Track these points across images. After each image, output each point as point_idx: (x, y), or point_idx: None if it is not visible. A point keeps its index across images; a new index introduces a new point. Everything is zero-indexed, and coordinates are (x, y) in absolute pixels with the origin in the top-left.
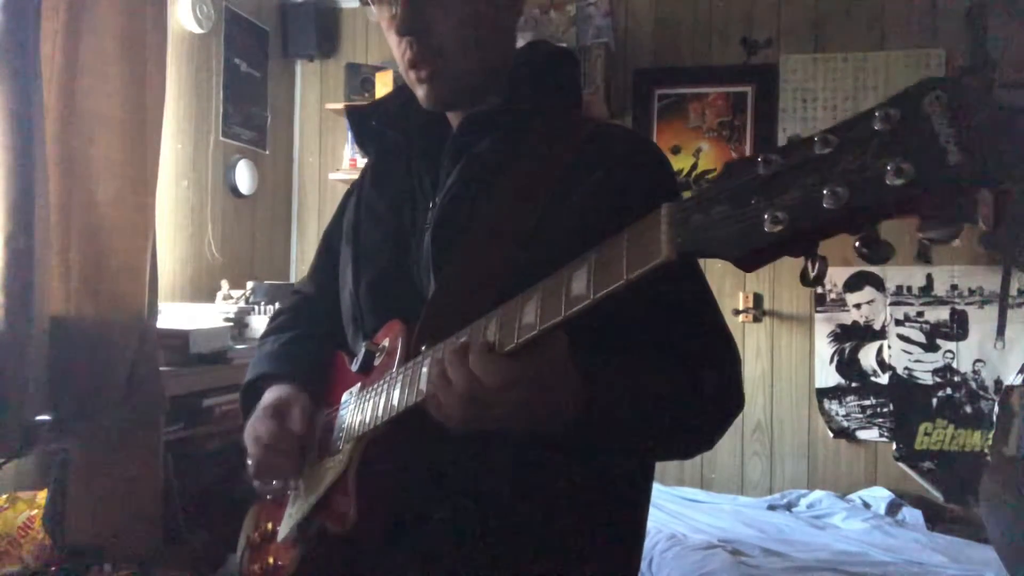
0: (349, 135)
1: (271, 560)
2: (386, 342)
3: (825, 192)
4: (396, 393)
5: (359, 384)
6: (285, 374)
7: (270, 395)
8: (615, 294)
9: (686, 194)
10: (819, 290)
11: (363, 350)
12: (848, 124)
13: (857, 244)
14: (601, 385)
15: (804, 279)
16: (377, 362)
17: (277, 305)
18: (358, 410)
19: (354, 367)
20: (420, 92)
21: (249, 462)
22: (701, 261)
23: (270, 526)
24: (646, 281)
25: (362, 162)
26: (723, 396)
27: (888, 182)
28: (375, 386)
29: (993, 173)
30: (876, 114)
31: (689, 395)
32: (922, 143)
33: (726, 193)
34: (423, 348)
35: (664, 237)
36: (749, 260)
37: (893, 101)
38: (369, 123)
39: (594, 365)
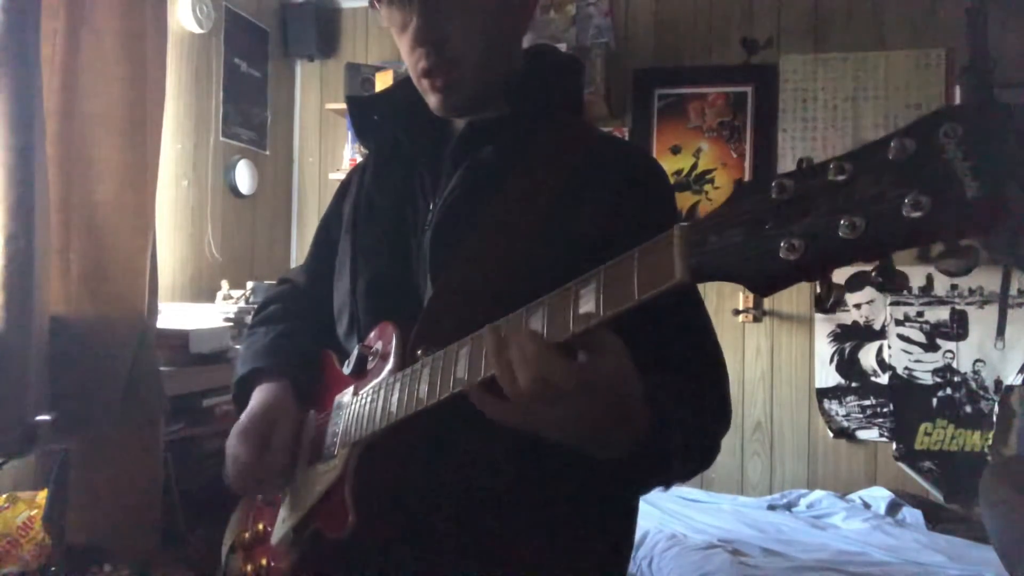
0: (349, 135)
1: (264, 561)
2: (379, 345)
3: (842, 222)
4: (394, 399)
5: (352, 387)
6: (276, 369)
7: (257, 399)
8: (624, 314)
9: (684, 194)
10: (819, 290)
11: (356, 352)
12: (862, 152)
13: (873, 273)
14: (659, 402)
15: (819, 305)
16: (371, 365)
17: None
18: (352, 414)
19: (346, 369)
20: (433, 100)
21: (228, 474)
22: None
23: (261, 527)
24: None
25: (362, 160)
26: (723, 416)
27: (905, 214)
28: (370, 390)
29: (1012, 207)
30: (891, 144)
31: (704, 418)
32: (938, 175)
33: (740, 217)
34: (419, 353)
35: (678, 259)
36: (764, 285)
37: (907, 131)
38: (370, 116)
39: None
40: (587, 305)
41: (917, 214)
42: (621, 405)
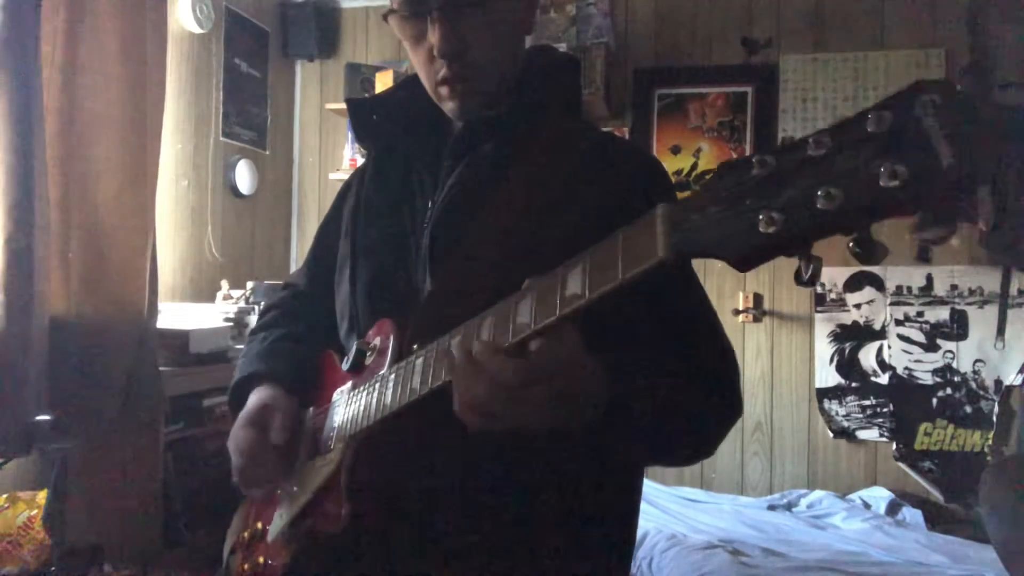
0: (349, 135)
1: (261, 559)
2: (377, 341)
3: (819, 193)
4: (389, 392)
5: (350, 383)
6: (271, 374)
7: (254, 399)
8: (611, 294)
9: (684, 194)
10: (819, 290)
11: (354, 349)
12: (841, 126)
13: (851, 244)
14: (623, 379)
15: (798, 279)
16: (369, 361)
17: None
18: (349, 409)
19: (345, 366)
20: (450, 105)
21: (233, 471)
22: (703, 260)
23: (259, 525)
24: (644, 283)
25: (362, 163)
26: (723, 401)
27: (882, 184)
28: (366, 385)
29: (985, 174)
30: (869, 116)
31: (694, 397)
32: (915, 145)
33: (721, 194)
34: (415, 347)
35: (660, 237)
36: (744, 260)
37: (886, 103)
38: (370, 117)
39: (612, 362)
40: (574, 287)
41: (894, 183)
42: (580, 383)
